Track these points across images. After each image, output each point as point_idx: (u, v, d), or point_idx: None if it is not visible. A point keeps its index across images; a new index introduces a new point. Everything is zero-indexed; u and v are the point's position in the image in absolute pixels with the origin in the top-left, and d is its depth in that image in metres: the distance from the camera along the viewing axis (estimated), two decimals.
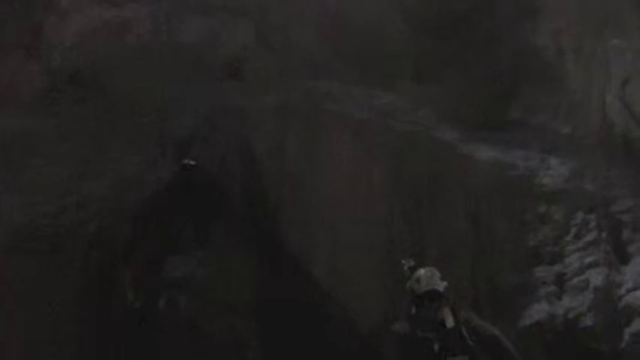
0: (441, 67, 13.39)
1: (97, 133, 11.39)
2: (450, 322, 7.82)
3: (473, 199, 11.81)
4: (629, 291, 11.07)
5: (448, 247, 11.44)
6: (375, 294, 10.99)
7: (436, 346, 7.68)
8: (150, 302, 10.23)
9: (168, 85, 11.93)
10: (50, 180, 10.79)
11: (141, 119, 11.61)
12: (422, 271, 8.23)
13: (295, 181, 11.43)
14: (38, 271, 10.12)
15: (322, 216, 11.39)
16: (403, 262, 8.56)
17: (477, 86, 13.06)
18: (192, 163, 10.99)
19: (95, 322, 10.00)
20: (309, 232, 11.28)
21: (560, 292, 11.11)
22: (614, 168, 12.54)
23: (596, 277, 11.18)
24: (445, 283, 8.10)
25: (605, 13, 13.88)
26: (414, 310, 8.06)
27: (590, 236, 11.62)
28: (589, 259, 11.35)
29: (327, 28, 13.60)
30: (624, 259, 11.48)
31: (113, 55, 12.17)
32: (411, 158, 11.93)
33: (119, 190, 10.92)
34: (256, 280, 10.81)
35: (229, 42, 12.98)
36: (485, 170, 12.06)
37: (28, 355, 9.75)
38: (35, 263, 10.14)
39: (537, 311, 10.94)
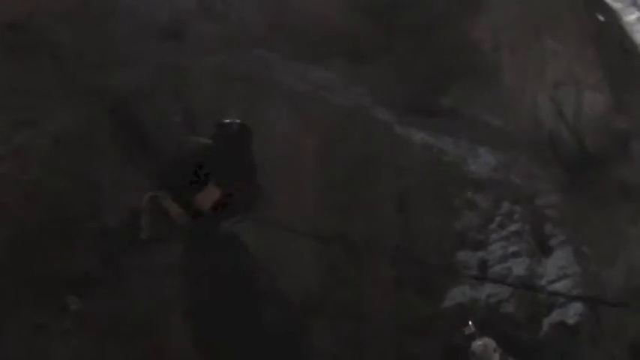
0: (377, 51, 13.42)
1: (35, 85, 11.01)
2: None
3: (403, 180, 11.84)
4: (549, 282, 11.33)
5: (375, 225, 11.42)
6: (304, 268, 10.92)
7: None
8: None
9: (109, 42, 11.64)
10: None
11: (81, 73, 11.27)
12: (477, 344, 8.82)
13: None
14: None
15: None
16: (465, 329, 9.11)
17: (411, 72, 13.14)
18: None
19: (33, 275, 9.64)
20: None
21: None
22: (541, 164, 12.77)
23: (518, 267, 11.40)
24: (500, 352, 8.69)
25: (544, 15, 14.19)
26: None
27: (514, 227, 11.84)
28: (512, 249, 11.57)
29: (268, 1, 13.45)
30: (546, 252, 11.73)
31: (54, 9, 11.80)
32: (345, 134, 11.89)
33: (55, 142, 10.59)
34: (186, 248, 10.56)
35: (171, 5, 12.71)
36: (416, 153, 12.14)
37: None
38: None
39: (459, 294, 11.08)
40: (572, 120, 13.52)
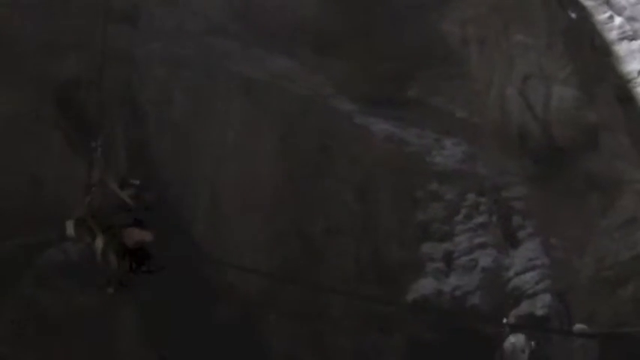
0: (344, 41, 13.01)
1: None
2: None
3: (363, 171, 11.47)
4: (517, 274, 11.04)
5: (334, 217, 11.07)
6: (255, 261, 10.48)
7: None
8: None
9: (59, 27, 11.24)
10: None
11: (25, 60, 10.91)
12: (508, 343, 8.96)
13: (180, 134, 10.86)
14: None
15: (204, 174, 10.86)
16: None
17: (377, 63, 12.75)
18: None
19: None
20: (190, 190, 10.72)
21: (448, 270, 10.92)
22: (508, 156, 12.43)
23: (485, 259, 11.10)
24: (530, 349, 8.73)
25: (515, 10, 13.89)
26: None
27: (480, 218, 11.52)
28: (478, 240, 11.27)
29: None
30: (514, 243, 11.42)
31: None
32: (303, 124, 11.53)
33: None
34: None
35: None
36: (378, 144, 11.74)
37: None
38: None
39: (423, 286, 10.70)
40: (540, 113, 13.18)
